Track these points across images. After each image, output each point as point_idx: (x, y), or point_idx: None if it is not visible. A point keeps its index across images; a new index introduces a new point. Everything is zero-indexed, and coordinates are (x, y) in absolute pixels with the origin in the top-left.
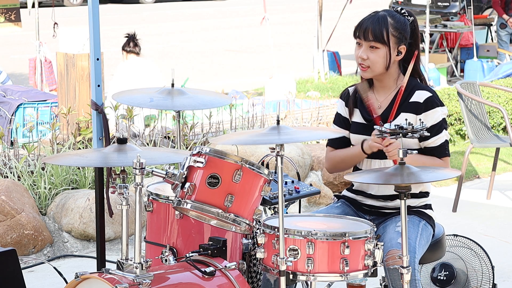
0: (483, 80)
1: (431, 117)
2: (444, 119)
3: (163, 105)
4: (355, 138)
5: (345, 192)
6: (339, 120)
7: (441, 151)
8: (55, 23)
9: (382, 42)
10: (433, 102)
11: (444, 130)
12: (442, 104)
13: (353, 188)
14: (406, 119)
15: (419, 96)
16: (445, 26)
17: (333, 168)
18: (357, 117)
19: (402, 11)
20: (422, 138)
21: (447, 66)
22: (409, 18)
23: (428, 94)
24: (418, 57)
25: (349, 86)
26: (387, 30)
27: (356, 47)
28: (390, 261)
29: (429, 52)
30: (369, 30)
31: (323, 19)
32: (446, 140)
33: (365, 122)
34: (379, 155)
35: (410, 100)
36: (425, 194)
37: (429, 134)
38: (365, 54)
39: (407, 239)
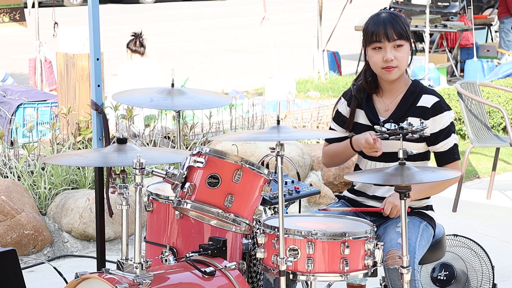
0: (483, 80)
1: (439, 122)
2: (452, 122)
3: (163, 105)
4: None
5: (345, 193)
6: (338, 119)
7: (450, 156)
8: (56, 23)
9: (406, 38)
10: (441, 107)
11: (453, 133)
12: (449, 108)
13: (355, 188)
14: (406, 120)
15: (426, 100)
16: (445, 26)
17: (328, 162)
18: (362, 119)
19: (392, 10)
20: (430, 142)
21: (447, 66)
22: None
23: (435, 99)
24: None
25: (353, 86)
26: (404, 26)
27: (373, 53)
28: (389, 261)
29: (429, 52)
30: (391, 30)
31: (323, 19)
32: (455, 144)
33: (370, 124)
34: (382, 157)
35: (418, 105)
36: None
37: (428, 134)
38: (392, 54)
39: (408, 239)
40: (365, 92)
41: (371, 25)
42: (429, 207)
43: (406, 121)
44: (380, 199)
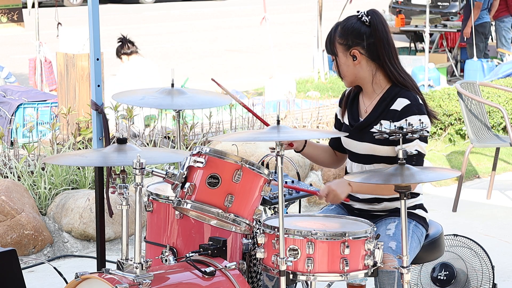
0: (483, 80)
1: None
2: (424, 129)
3: (163, 104)
4: (343, 140)
5: None
6: (336, 124)
7: (408, 163)
8: (59, 23)
9: (333, 54)
10: (409, 109)
11: (418, 140)
12: (422, 113)
13: None
14: (406, 119)
15: (399, 104)
16: (445, 26)
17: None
18: (346, 119)
19: (359, 15)
20: (393, 144)
21: (447, 66)
22: (365, 19)
23: (407, 102)
24: (384, 56)
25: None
26: (333, 41)
27: None
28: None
29: (429, 52)
30: (326, 43)
31: (323, 19)
32: (419, 152)
33: (349, 126)
34: (357, 159)
35: (391, 108)
36: (414, 195)
37: (428, 134)
38: (335, 65)
39: (396, 243)
40: (353, 92)
41: None
42: (418, 206)
43: (405, 121)
44: (364, 201)
